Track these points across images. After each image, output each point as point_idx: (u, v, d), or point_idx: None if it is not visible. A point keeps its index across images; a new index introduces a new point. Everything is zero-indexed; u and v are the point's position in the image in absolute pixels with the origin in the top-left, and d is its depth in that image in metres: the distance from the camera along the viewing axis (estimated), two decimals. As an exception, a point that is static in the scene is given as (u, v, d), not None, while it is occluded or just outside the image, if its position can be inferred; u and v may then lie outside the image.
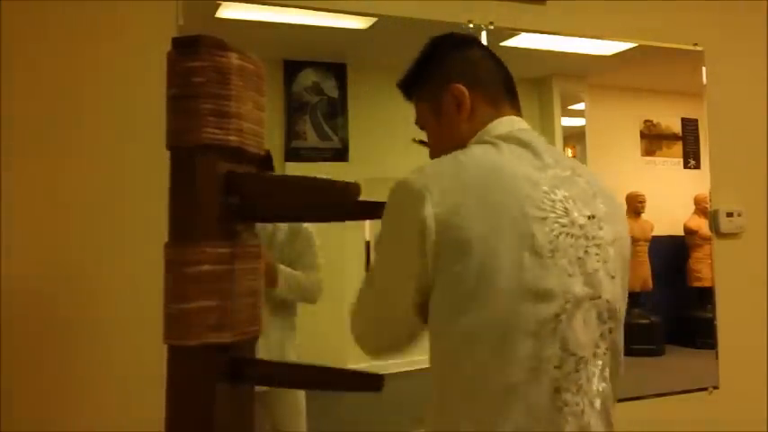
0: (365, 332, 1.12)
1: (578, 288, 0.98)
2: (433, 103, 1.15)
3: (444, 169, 1.00)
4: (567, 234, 0.99)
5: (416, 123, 1.20)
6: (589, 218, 1.02)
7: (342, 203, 1.02)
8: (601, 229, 1.03)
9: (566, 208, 1.00)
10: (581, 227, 1.01)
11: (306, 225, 1.96)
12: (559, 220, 0.99)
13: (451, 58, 1.16)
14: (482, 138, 1.08)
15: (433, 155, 1.16)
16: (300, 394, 1.94)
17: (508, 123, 1.11)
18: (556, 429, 0.95)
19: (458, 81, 1.12)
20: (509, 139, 1.06)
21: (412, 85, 1.19)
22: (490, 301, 0.93)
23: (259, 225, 1.04)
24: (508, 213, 0.96)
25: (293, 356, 1.92)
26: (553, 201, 1.00)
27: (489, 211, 0.96)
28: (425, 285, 0.97)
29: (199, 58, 0.89)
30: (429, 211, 0.95)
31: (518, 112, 1.15)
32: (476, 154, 1.03)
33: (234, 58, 0.91)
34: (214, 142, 0.89)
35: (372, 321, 1.10)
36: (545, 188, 1.00)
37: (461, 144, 1.09)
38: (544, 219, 0.98)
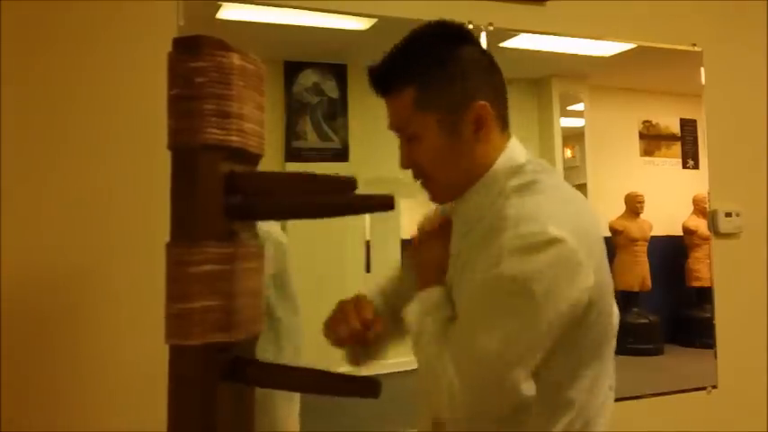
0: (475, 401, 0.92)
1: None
2: (446, 117, 0.97)
3: (577, 219, 0.91)
4: None
5: (395, 129, 1.02)
6: None
7: (340, 200, 1.02)
8: None
9: None
10: None
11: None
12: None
13: (472, 62, 0.98)
14: (522, 169, 0.97)
15: (436, 176, 1.01)
16: (295, 394, 1.92)
17: (518, 147, 1.00)
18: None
19: (482, 97, 0.95)
20: (541, 165, 1.00)
21: (405, 81, 1.01)
22: (611, 348, 0.98)
23: None
24: (600, 244, 0.96)
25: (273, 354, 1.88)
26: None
27: (599, 254, 0.94)
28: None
29: (200, 58, 0.89)
30: (590, 281, 0.89)
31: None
32: (564, 190, 0.97)
33: (235, 59, 0.91)
34: (216, 142, 0.89)
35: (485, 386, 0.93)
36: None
37: (472, 170, 0.97)
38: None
